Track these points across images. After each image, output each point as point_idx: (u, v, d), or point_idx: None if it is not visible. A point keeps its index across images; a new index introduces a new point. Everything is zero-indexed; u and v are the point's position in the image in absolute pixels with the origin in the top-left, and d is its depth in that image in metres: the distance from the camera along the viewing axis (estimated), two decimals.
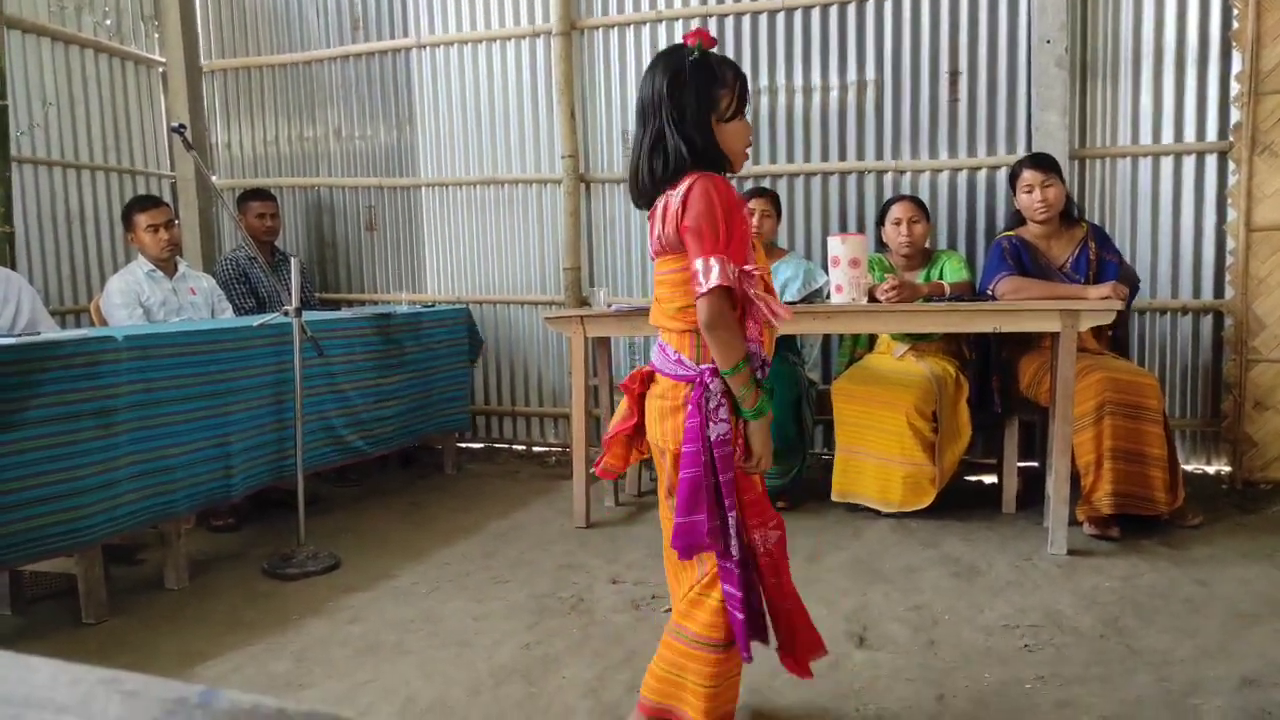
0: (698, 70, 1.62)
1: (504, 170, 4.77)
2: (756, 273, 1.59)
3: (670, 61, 1.64)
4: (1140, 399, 3.12)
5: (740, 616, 1.62)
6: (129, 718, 0.30)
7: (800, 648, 1.79)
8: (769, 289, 1.68)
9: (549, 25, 4.52)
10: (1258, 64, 3.55)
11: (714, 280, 1.51)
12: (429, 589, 2.86)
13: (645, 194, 1.69)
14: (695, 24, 4.36)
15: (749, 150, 1.73)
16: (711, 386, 1.60)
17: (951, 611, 2.55)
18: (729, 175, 1.70)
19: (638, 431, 1.82)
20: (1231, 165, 3.69)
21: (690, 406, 1.62)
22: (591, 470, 2.16)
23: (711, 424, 1.59)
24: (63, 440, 2.46)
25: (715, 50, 1.68)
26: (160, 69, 5.04)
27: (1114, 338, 3.59)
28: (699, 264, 1.54)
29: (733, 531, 1.61)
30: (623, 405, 1.83)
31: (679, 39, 4.43)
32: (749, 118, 1.76)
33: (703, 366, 1.63)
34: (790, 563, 1.84)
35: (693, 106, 1.60)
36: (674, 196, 1.60)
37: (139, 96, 4.92)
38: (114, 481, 2.61)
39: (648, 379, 1.77)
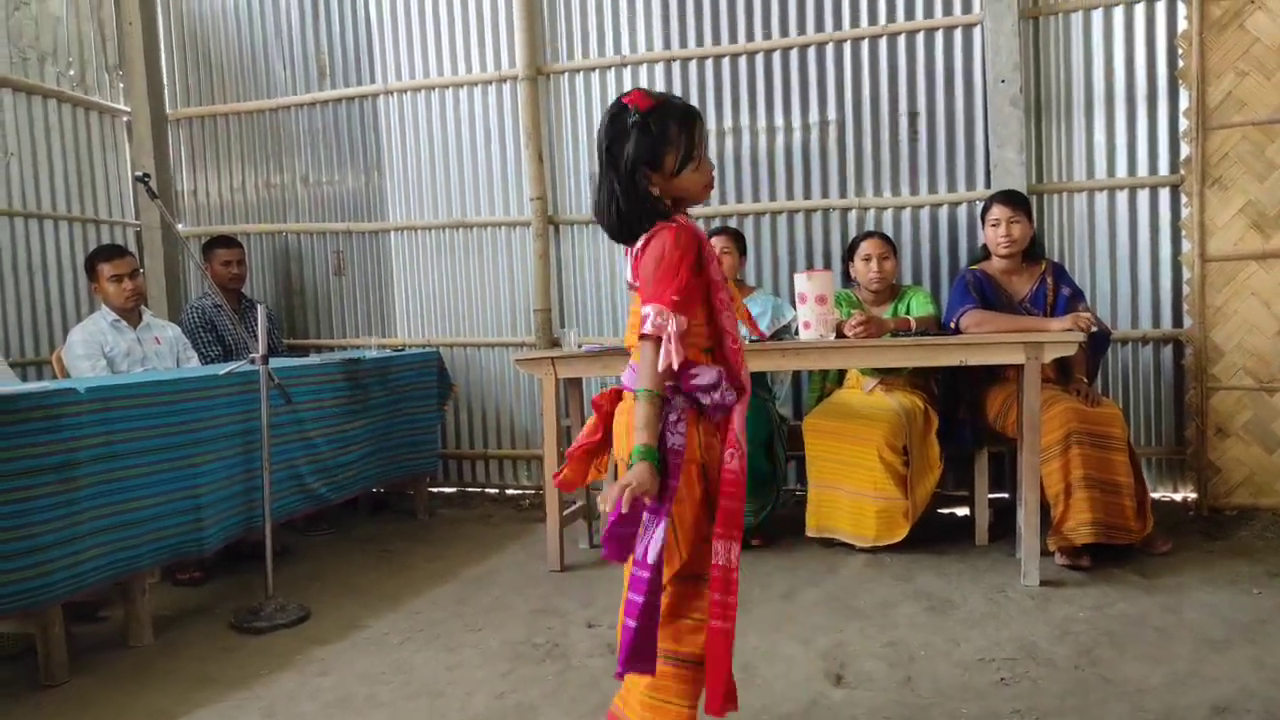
0: (640, 131, 1.66)
1: (473, 213, 4.79)
2: (726, 308, 1.70)
3: (614, 122, 1.69)
4: (1105, 428, 3.16)
5: (632, 624, 1.56)
6: None
7: (711, 685, 1.67)
8: (747, 316, 1.77)
9: (515, 71, 4.58)
10: (1204, 100, 3.67)
11: (646, 328, 1.59)
12: (401, 639, 2.82)
13: (612, 235, 1.75)
14: (659, 68, 4.44)
15: (711, 185, 1.77)
16: (673, 401, 1.66)
17: (927, 646, 2.55)
18: (691, 207, 1.77)
19: (600, 448, 1.86)
20: (1184, 198, 3.79)
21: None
22: (552, 479, 2.13)
23: (670, 434, 1.64)
24: (22, 496, 2.40)
25: (666, 101, 1.70)
26: (125, 118, 5.03)
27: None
28: (644, 310, 1.61)
29: (654, 539, 1.59)
30: (591, 421, 1.86)
31: (644, 80, 4.55)
32: (716, 153, 1.81)
33: (666, 383, 1.67)
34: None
35: (627, 168, 1.66)
36: (639, 243, 1.68)
37: (103, 146, 4.89)
38: (76, 537, 2.55)
39: (616, 397, 1.82)
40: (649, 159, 1.66)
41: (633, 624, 1.56)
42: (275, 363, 3.28)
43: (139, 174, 3.12)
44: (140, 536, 2.78)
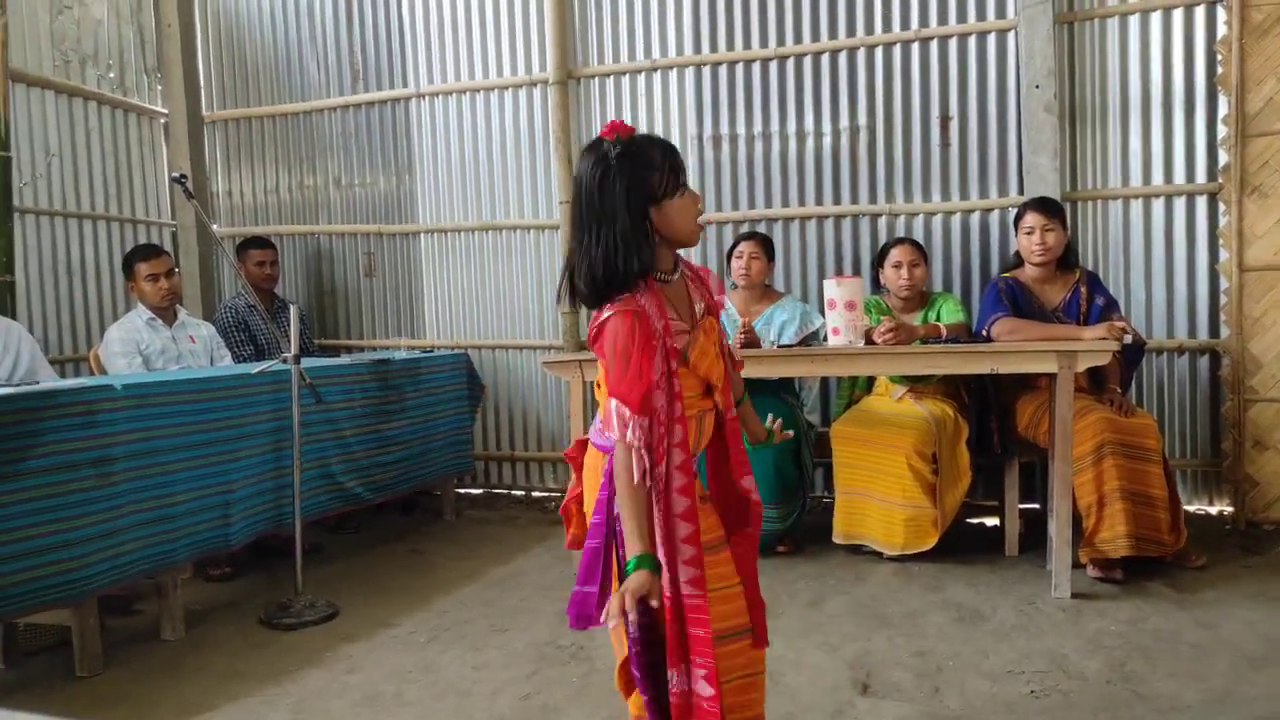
0: (624, 160, 1.51)
1: (502, 216, 4.82)
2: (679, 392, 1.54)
3: (595, 158, 1.53)
4: (1139, 439, 3.12)
5: (645, 698, 1.53)
6: None
7: None
8: (725, 352, 1.66)
9: (545, 75, 4.60)
10: (1243, 107, 3.61)
11: (612, 430, 1.50)
12: (428, 638, 2.83)
13: (591, 299, 1.57)
14: (690, 72, 4.44)
15: (701, 222, 1.61)
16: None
17: (956, 657, 2.52)
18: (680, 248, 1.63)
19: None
20: (1222, 206, 3.73)
21: (605, 478, 1.58)
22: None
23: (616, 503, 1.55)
24: (61, 490, 2.45)
25: (641, 134, 1.57)
26: (162, 120, 5.11)
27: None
28: (610, 405, 1.51)
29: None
30: (574, 474, 1.78)
31: (674, 85, 4.55)
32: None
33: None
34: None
35: (621, 200, 1.49)
36: (595, 320, 1.55)
37: (141, 147, 4.97)
38: (113, 531, 2.59)
39: (585, 448, 1.72)
40: (640, 187, 1.50)
41: (645, 697, 1.53)
42: (306, 362, 3.31)
43: (176, 174, 3.16)
44: (175, 532, 2.82)
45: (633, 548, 1.47)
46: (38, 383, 2.89)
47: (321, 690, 2.46)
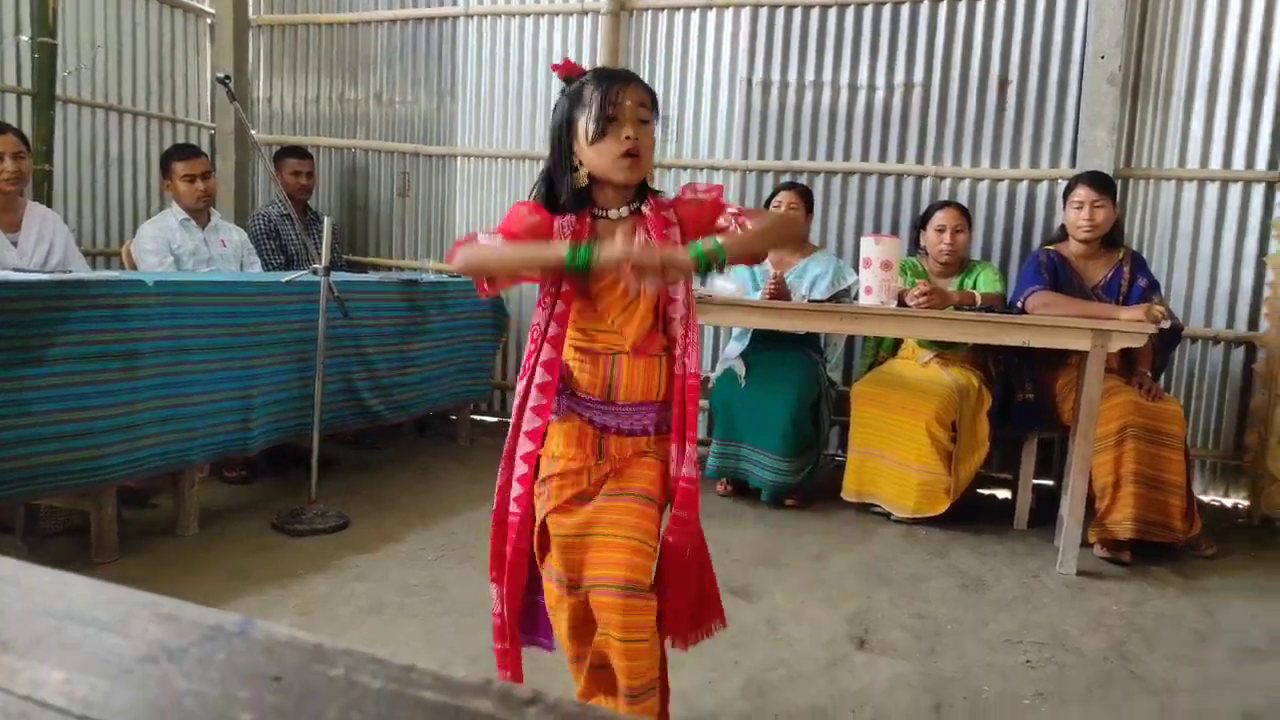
0: (564, 99, 1.62)
1: (541, 146, 4.76)
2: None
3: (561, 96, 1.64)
4: (1163, 424, 3.08)
5: (496, 610, 1.75)
6: (169, 640, 0.30)
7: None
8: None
9: (599, 4, 4.50)
10: None
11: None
12: (435, 555, 2.88)
13: None
14: (745, 13, 4.33)
15: (626, 158, 1.53)
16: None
17: (955, 622, 2.54)
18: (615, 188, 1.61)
19: None
20: (1278, 196, 3.62)
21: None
22: None
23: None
24: (88, 379, 2.48)
25: (595, 70, 1.63)
26: (209, 20, 5.07)
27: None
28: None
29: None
30: None
31: (729, 24, 4.43)
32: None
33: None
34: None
35: (554, 135, 1.62)
36: None
37: (186, 46, 4.94)
38: (135, 424, 2.63)
39: None
40: (569, 123, 1.57)
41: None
42: (336, 277, 3.31)
43: (221, 75, 3.15)
44: (194, 430, 2.86)
45: (554, 250, 1.49)
46: (70, 272, 2.92)
47: (328, 596, 2.51)
